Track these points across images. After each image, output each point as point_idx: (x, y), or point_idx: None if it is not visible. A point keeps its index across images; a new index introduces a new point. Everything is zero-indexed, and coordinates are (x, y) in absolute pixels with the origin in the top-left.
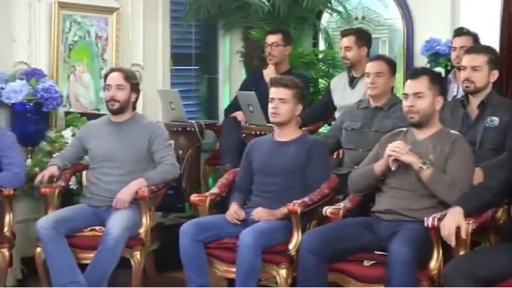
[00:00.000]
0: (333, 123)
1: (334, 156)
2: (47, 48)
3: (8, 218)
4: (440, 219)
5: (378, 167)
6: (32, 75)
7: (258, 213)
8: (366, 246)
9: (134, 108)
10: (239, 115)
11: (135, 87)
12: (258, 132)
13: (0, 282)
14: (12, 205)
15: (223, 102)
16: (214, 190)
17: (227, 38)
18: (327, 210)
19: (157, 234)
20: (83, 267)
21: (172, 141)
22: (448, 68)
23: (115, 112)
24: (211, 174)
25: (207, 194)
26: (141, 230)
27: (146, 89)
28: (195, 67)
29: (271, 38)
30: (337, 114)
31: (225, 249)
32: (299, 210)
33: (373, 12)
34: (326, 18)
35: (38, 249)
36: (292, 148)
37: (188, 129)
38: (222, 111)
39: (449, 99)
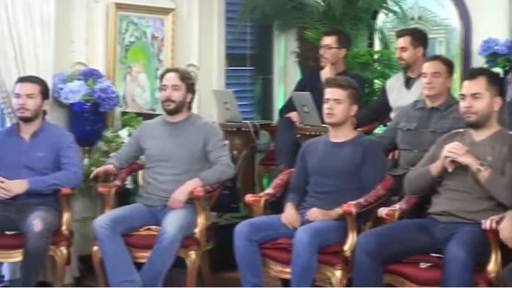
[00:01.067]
0: (388, 124)
1: (390, 157)
2: (104, 48)
3: (66, 217)
4: (498, 222)
5: (435, 168)
6: (90, 75)
7: (313, 213)
8: (422, 248)
9: (190, 109)
10: (294, 116)
11: (190, 88)
12: (312, 133)
13: (59, 280)
14: (70, 204)
15: (278, 102)
16: (269, 190)
17: (282, 38)
18: (383, 211)
19: (212, 234)
20: (138, 266)
21: (227, 142)
22: (507, 68)
23: (171, 112)
24: (266, 174)
25: (261, 194)
26: (196, 230)
27: (201, 90)
28: (250, 67)
29: (325, 40)
30: (392, 115)
31: (279, 250)
32: (354, 211)
33: (429, 12)
34: (382, 18)
35: (95, 248)
36: (347, 149)
37: (243, 129)
38: (277, 112)
39: (508, 100)
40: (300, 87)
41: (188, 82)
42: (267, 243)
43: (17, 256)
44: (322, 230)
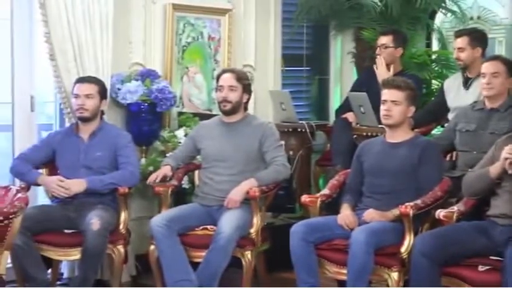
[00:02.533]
0: (446, 124)
1: (447, 158)
2: (161, 49)
3: (123, 216)
4: None
5: (494, 170)
6: (147, 76)
7: (370, 214)
8: (480, 251)
9: (246, 109)
10: (350, 116)
11: (247, 88)
12: (369, 134)
13: (116, 278)
14: (127, 203)
15: (334, 103)
16: (325, 191)
17: (338, 38)
18: (440, 213)
19: (267, 235)
20: (194, 265)
21: (283, 142)
22: None
23: (227, 113)
24: (322, 175)
25: (317, 195)
26: (252, 230)
27: (257, 90)
28: (306, 68)
29: (381, 40)
30: (450, 116)
31: (335, 251)
32: (411, 212)
33: (489, 12)
34: (440, 18)
35: (152, 247)
36: (404, 150)
37: (299, 130)
38: (333, 112)
39: None
40: (356, 87)
41: (244, 83)
42: (323, 244)
43: (75, 254)
44: (379, 230)
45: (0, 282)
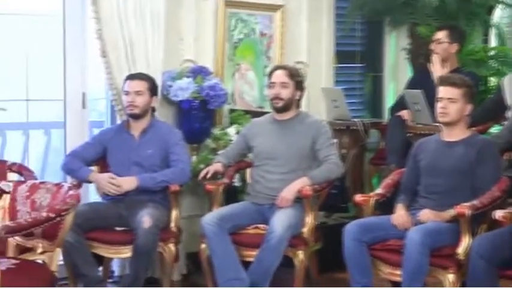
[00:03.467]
0: (504, 123)
1: (505, 157)
2: (212, 46)
3: (174, 214)
4: None
5: None
6: (198, 72)
7: (425, 214)
8: None
9: (298, 106)
10: (405, 114)
11: (299, 85)
12: (424, 132)
13: (167, 276)
14: (178, 201)
15: (388, 100)
16: (379, 190)
17: (393, 34)
18: (498, 214)
19: (320, 234)
20: (245, 264)
21: (336, 140)
22: None
23: (279, 110)
24: (376, 174)
25: (371, 194)
26: (305, 229)
27: (310, 87)
28: (360, 65)
29: (437, 35)
30: (509, 114)
31: (389, 251)
32: (468, 213)
33: None
34: (498, 14)
35: (203, 245)
36: (461, 148)
37: (352, 128)
38: (387, 110)
39: None
40: (411, 84)
41: (297, 79)
42: (376, 244)
43: (126, 252)
44: (434, 231)
45: (53, 279)
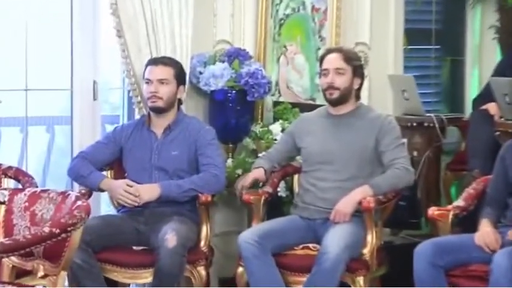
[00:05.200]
0: None
1: None
2: (253, 24)
3: (205, 230)
4: None
5: None
6: (235, 56)
7: None
8: None
9: (358, 98)
10: (492, 107)
11: (358, 72)
12: None
13: None
14: (210, 215)
15: (471, 91)
16: (459, 203)
17: (477, 9)
18: None
19: (385, 256)
20: None
21: (405, 140)
22: None
23: (334, 102)
24: (455, 182)
25: (449, 207)
26: (366, 250)
27: (373, 74)
28: (435, 47)
29: None
30: None
31: (472, 278)
32: None
33: None
34: None
35: (240, 269)
36: None
37: (426, 124)
38: (470, 103)
39: None
40: (500, 70)
41: (355, 64)
42: (456, 269)
43: (146, 277)
44: None
45: None
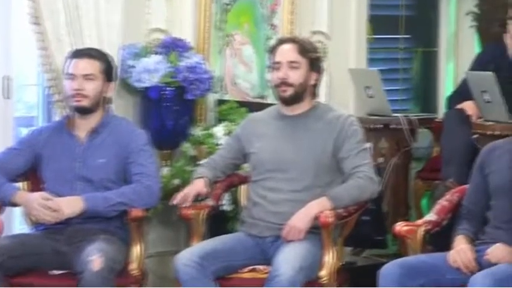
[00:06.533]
0: None
1: None
2: (192, 9)
3: (136, 251)
4: None
5: None
6: (172, 47)
7: (497, 252)
8: None
9: (315, 95)
10: (469, 107)
11: (315, 65)
12: (497, 133)
13: None
14: (143, 232)
15: (446, 87)
16: (431, 217)
17: None
18: None
19: (346, 279)
20: None
21: (369, 145)
22: None
23: (288, 101)
24: (426, 192)
25: (419, 222)
26: (323, 272)
27: (333, 68)
28: (405, 36)
29: None
30: None
31: None
32: None
33: None
34: None
35: None
36: None
37: (393, 126)
38: (443, 101)
39: None
40: (478, 64)
41: (312, 56)
42: None
43: None
44: (510, 276)
45: None
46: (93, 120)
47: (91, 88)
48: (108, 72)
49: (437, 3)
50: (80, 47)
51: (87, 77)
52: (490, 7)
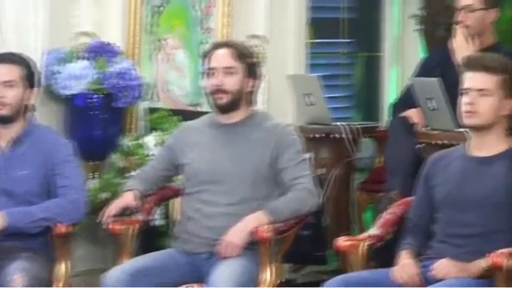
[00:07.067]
0: None
1: None
2: (122, 12)
3: (61, 269)
4: None
5: None
6: (100, 52)
7: (442, 267)
8: None
9: (251, 103)
10: (414, 114)
11: (252, 71)
12: (443, 142)
13: None
14: (69, 249)
15: (389, 94)
16: (374, 231)
17: None
18: None
19: None
20: None
21: (309, 155)
22: None
23: (223, 108)
24: (369, 205)
25: (362, 236)
26: None
27: (271, 74)
28: (346, 40)
29: None
30: None
31: None
32: (507, 264)
33: None
34: None
35: None
36: (499, 167)
37: (334, 136)
38: (387, 109)
39: None
40: (423, 70)
41: (248, 62)
42: None
43: None
44: None
45: None
46: (15, 129)
47: (11, 95)
48: (29, 79)
49: (381, 5)
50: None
51: (7, 83)
52: (434, 10)
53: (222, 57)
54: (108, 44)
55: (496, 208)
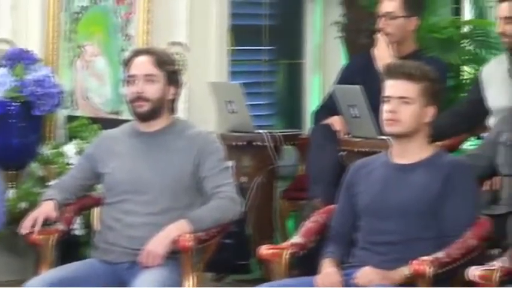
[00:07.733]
0: (484, 135)
1: (486, 187)
2: (40, 18)
3: None
4: None
5: None
6: (18, 60)
7: (365, 275)
8: None
9: (173, 111)
10: (336, 122)
11: (173, 78)
12: (365, 149)
13: None
14: None
15: (312, 101)
16: (297, 239)
17: (318, 2)
18: (475, 272)
19: None
20: None
21: (231, 163)
22: None
23: (144, 117)
24: (292, 213)
25: (284, 244)
26: None
27: (192, 81)
28: (268, 47)
29: (385, 6)
30: (491, 122)
31: None
32: (430, 271)
33: None
34: None
35: None
36: (420, 175)
37: (256, 143)
38: (310, 116)
39: None
40: (345, 77)
41: (169, 69)
42: None
43: None
44: None
45: None
46: None
47: None
48: None
49: (302, 12)
50: None
51: None
52: (356, 17)
53: (143, 65)
54: (26, 51)
55: (417, 216)
